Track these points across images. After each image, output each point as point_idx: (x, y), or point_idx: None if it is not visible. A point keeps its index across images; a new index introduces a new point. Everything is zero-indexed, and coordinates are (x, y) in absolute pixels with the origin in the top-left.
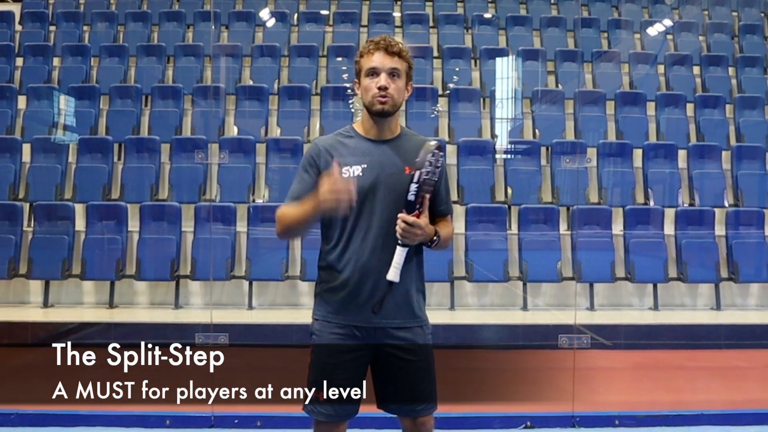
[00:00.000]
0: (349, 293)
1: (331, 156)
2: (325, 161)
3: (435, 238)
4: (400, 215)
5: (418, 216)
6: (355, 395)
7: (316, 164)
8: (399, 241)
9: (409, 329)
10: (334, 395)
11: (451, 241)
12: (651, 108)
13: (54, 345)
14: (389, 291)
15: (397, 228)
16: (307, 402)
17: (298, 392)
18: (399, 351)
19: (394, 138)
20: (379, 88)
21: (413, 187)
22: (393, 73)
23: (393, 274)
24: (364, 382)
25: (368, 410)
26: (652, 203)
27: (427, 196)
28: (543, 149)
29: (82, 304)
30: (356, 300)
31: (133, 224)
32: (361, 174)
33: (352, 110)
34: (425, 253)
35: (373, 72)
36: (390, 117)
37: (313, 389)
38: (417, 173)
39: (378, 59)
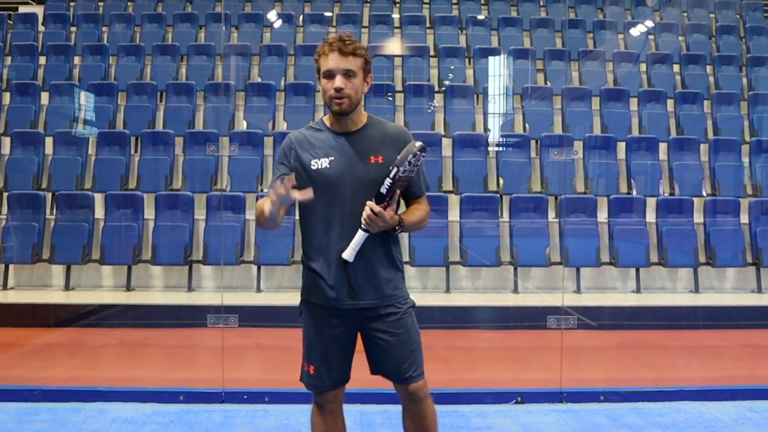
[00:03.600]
0: (323, 277)
1: (301, 147)
2: (295, 154)
3: (398, 227)
4: (368, 203)
5: (385, 208)
6: (341, 367)
7: (287, 157)
8: (362, 226)
9: (384, 307)
10: (320, 368)
11: (425, 223)
12: (634, 104)
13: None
14: (346, 269)
15: (363, 214)
16: (301, 375)
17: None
18: (378, 329)
19: (358, 129)
20: (336, 89)
21: (387, 181)
22: (348, 74)
23: (348, 254)
24: (351, 353)
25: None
26: (634, 193)
27: (399, 191)
28: (532, 142)
29: (101, 287)
30: (328, 282)
31: (149, 212)
32: (328, 166)
33: None
34: (421, 240)
35: (329, 74)
36: (351, 113)
37: (305, 363)
38: (394, 170)
39: (333, 61)
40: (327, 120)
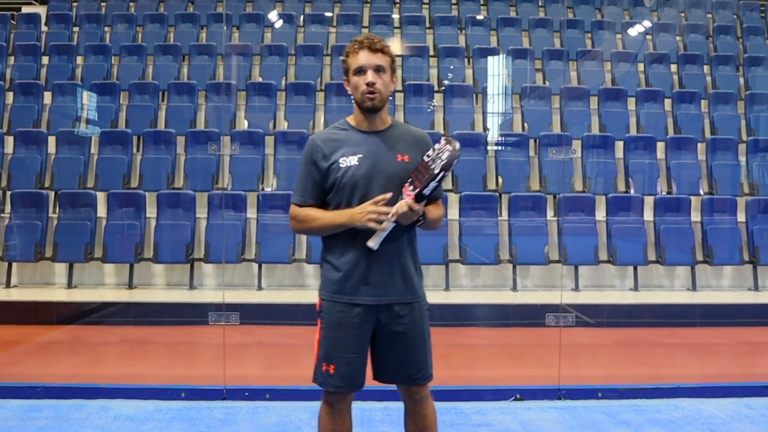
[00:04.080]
0: (348, 273)
1: (326, 149)
2: (321, 154)
3: (421, 218)
4: (408, 201)
5: (410, 202)
6: (362, 367)
7: (314, 159)
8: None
9: (406, 305)
10: (342, 368)
11: (440, 222)
12: (631, 103)
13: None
14: (372, 266)
15: (398, 207)
16: (316, 375)
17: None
18: (396, 326)
19: (386, 129)
20: (368, 84)
21: (433, 184)
22: (378, 69)
23: (374, 243)
24: (365, 354)
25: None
26: (632, 191)
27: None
28: (531, 141)
29: (104, 285)
30: (353, 278)
31: (151, 211)
32: (357, 163)
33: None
34: (421, 238)
35: (360, 70)
36: (380, 110)
37: (323, 363)
38: (442, 173)
39: (363, 57)
40: (352, 120)
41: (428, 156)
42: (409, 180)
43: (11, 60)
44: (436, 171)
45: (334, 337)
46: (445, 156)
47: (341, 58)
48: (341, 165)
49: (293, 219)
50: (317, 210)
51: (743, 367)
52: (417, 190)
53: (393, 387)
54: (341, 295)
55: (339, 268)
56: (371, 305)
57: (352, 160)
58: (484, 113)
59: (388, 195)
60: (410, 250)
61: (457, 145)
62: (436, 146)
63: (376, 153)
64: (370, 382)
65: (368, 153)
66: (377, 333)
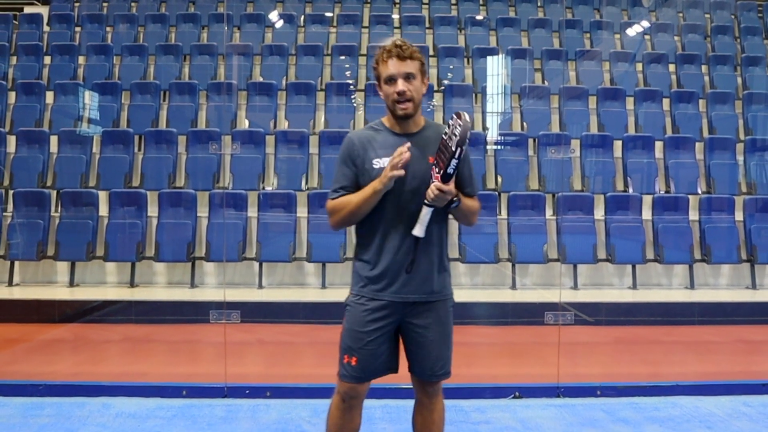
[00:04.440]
0: (381, 272)
1: (363, 148)
2: (358, 153)
3: (456, 199)
4: (436, 184)
5: (446, 184)
6: (381, 358)
7: (351, 157)
8: (426, 202)
9: (431, 303)
10: (363, 359)
11: (476, 216)
12: (630, 103)
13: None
14: (417, 246)
15: (429, 192)
16: (339, 367)
17: (305, 364)
18: (419, 322)
19: (419, 131)
20: (399, 93)
21: (454, 162)
22: (408, 77)
23: (419, 230)
24: (389, 348)
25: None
26: (631, 190)
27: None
28: (530, 141)
29: (105, 283)
30: (383, 277)
31: (152, 210)
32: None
33: (354, 105)
34: None
35: (391, 79)
36: (413, 116)
37: (345, 355)
38: (458, 150)
39: (393, 66)
40: (386, 121)
41: (445, 134)
42: (434, 163)
43: (14, 60)
44: (453, 148)
45: (356, 330)
46: (457, 131)
47: (372, 65)
48: (375, 166)
49: (330, 214)
50: (348, 195)
51: (741, 365)
52: (441, 171)
53: (393, 385)
54: (368, 290)
55: (369, 265)
56: (396, 302)
57: (385, 162)
58: (484, 113)
59: (406, 154)
60: (438, 249)
61: (467, 117)
62: (450, 123)
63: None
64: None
65: None
66: (402, 328)
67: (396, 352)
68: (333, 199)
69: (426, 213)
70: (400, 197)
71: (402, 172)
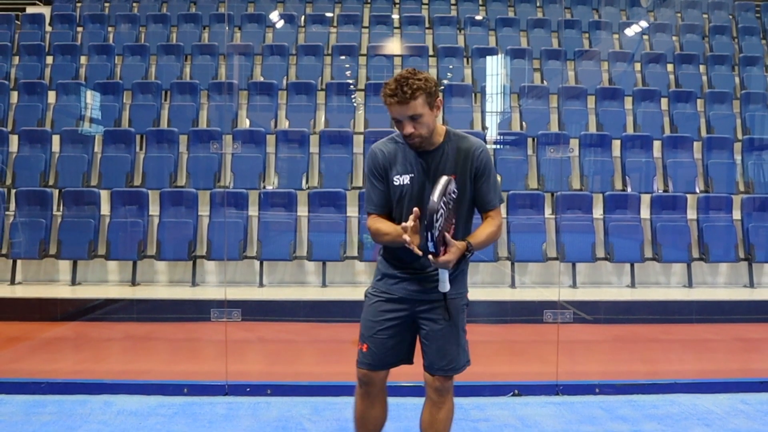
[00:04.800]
0: (397, 270)
1: (387, 162)
2: (383, 166)
3: (468, 253)
4: (431, 259)
5: (445, 252)
6: (391, 350)
7: (378, 170)
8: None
9: (442, 301)
10: (372, 347)
11: (495, 236)
12: (628, 102)
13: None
14: (415, 258)
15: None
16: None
17: (305, 362)
18: (429, 318)
19: (436, 148)
20: (406, 135)
21: (430, 244)
22: (413, 118)
23: (443, 287)
24: (403, 340)
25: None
26: (629, 189)
27: (447, 233)
28: (529, 140)
29: (107, 282)
30: (398, 274)
31: (154, 209)
32: (408, 182)
33: (354, 104)
34: None
35: (397, 121)
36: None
37: (360, 342)
38: (428, 233)
39: (396, 111)
40: None
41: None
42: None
43: (16, 60)
44: (426, 221)
45: (370, 320)
46: (435, 195)
47: (368, 84)
48: (395, 183)
49: (369, 229)
50: (384, 223)
51: (739, 363)
52: (430, 240)
53: (393, 382)
54: (383, 284)
55: (387, 263)
56: (406, 297)
57: (405, 179)
58: (483, 112)
59: (410, 224)
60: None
61: (444, 180)
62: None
63: (426, 173)
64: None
65: (418, 174)
66: (416, 322)
67: (410, 345)
68: (369, 213)
69: (442, 272)
70: (419, 208)
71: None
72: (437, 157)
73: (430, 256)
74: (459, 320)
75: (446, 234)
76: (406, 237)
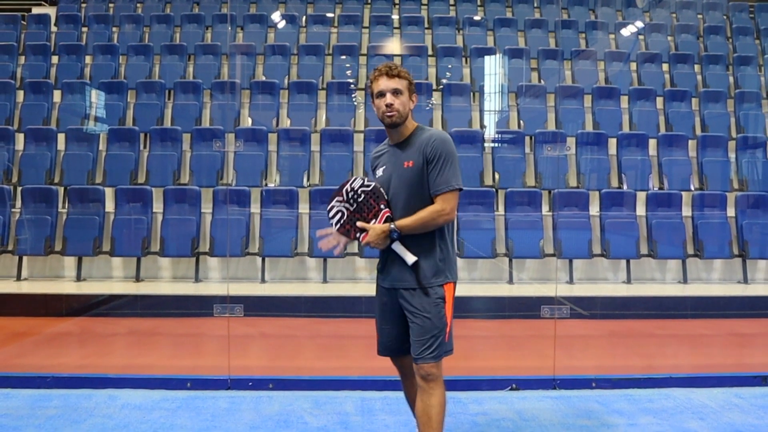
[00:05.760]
0: (383, 263)
1: (374, 163)
2: (373, 167)
3: (393, 233)
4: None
5: (353, 238)
6: (391, 338)
7: (372, 171)
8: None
9: (414, 290)
10: (378, 335)
11: (429, 221)
12: (624, 101)
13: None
14: (393, 258)
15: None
16: None
17: (307, 357)
18: (407, 307)
19: (404, 140)
20: (387, 106)
21: (342, 239)
22: (396, 92)
23: (408, 260)
24: (398, 330)
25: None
26: (625, 187)
27: (363, 220)
28: (527, 138)
29: (112, 278)
30: (386, 268)
31: (158, 206)
32: (381, 173)
33: (354, 103)
34: None
35: (380, 94)
36: (400, 126)
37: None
38: (330, 207)
39: (383, 83)
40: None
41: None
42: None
43: (22, 59)
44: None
45: (377, 312)
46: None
47: (366, 83)
48: (377, 175)
49: None
50: None
51: (733, 358)
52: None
53: (393, 377)
54: (378, 276)
55: (380, 258)
56: (389, 288)
57: (380, 171)
58: (481, 111)
59: (328, 231)
60: (429, 245)
61: (329, 206)
62: None
63: (394, 163)
64: (370, 372)
65: (389, 163)
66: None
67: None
68: None
69: (394, 248)
70: (391, 201)
71: (335, 249)
72: (403, 148)
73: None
74: (432, 311)
75: (358, 223)
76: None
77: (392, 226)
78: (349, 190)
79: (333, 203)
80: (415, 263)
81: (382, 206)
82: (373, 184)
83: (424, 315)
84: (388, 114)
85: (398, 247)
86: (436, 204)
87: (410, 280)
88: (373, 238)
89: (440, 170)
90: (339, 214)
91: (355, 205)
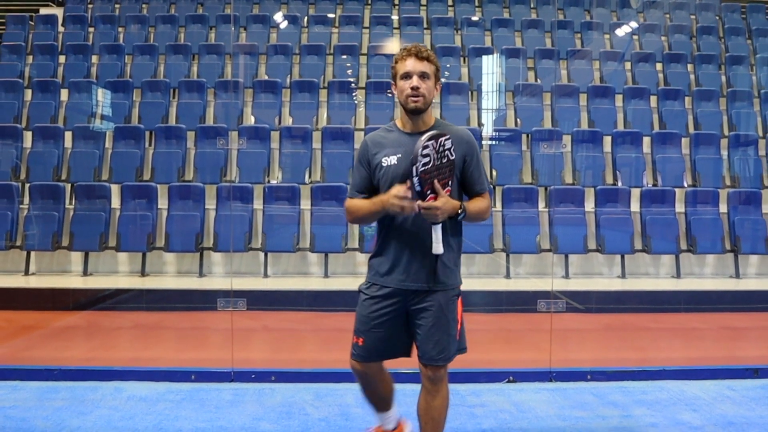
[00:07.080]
0: (392, 263)
1: (375, 149)
2: (371, 154)
3: (460, 211)
4: (418, 203)
5: (434, 198)
6: (387, 342)
7: (366, 158)
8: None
9: (431, 291)
10: (368, 341)
11: (486, 213)
12: (619, 100)
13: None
14: (437, 262)
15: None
16: (352, 347)
17: (308, 350)
18: (420, 308)
19: (426, 130)
20: (413, 89)
21: (415, 179)
22: (423, 75)
23: (436, 248)
24: (397, 333)
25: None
26: (620, 184)
27: (437, 181)
28: (524, 136)
29: (117, 273)
30: (390, 267)
31: (163, 202)
32: (396, 162)
33: (355, 102)
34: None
35: (407, 75)
36: (423, 113)
37: (354, 336)
38: (413, 168)
39: (410, 64)
40: (399, 122)
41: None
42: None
43: (30, 59)
44: (413, 168)
45: (364, 315)
46: (425, 136)
47: (391, 64)
48: (383, 164)
49: (346, 212)
50: (361, 200)
51: (725, 351)
52: (415, 175)
53: (391, 369)
54: (378, 278)
55: (382, 258)
56: (400, 289)
57: (392, 160)
58: (479, 109)
59: (403, 189)
60: (457, 240)
61: (424, 137)
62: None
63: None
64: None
65: (406, 153)
66: (408, 315)
67: (407, 338)
68: (350, 198)
69: (435, 230)
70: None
71: (403, 211)
72: None
73: (419, 202)
74: (449, 311)
75: (435, 182)
76: (397, 188)
77: (462, 204)
78: (442, 143)
79: (428, 143)
80: (439, 255)
81: (450, 183)
82: (455, 156)
83: (441, 314)
84: (414, 98)
85: (439, 232)
86: (485, 200)
87: (430, 280)
88: (443, 206)
89: (479, 169)
90: (427, 159)
91: (439, 162)
